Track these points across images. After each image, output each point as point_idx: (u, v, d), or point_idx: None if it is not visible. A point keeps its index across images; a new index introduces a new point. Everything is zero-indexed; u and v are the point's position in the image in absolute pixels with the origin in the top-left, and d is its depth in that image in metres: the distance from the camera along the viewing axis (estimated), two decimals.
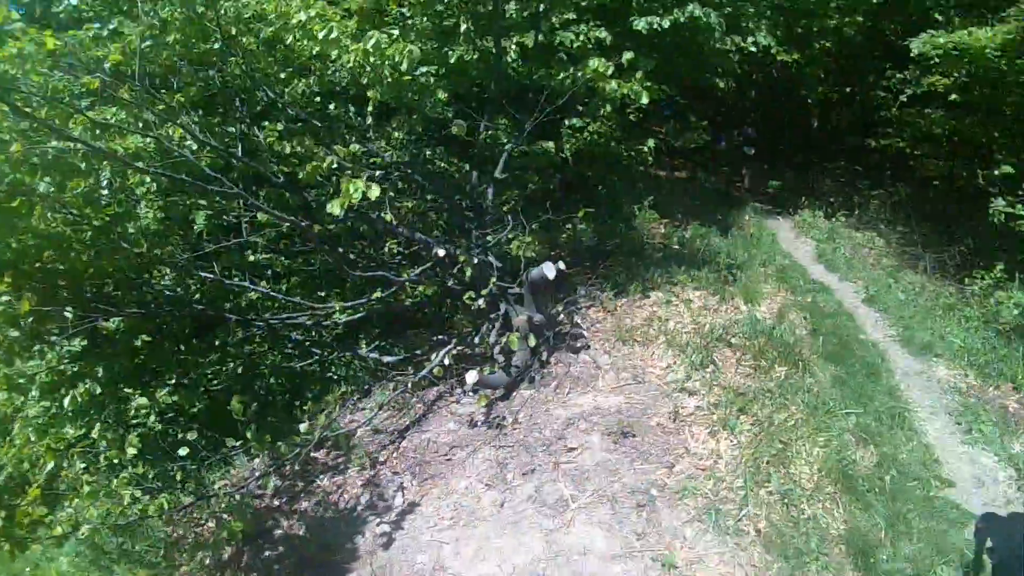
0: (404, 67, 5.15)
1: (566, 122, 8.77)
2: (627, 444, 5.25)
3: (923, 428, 5.99)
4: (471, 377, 5.34)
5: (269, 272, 6.54)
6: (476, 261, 5.79)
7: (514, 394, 5.89)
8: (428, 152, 7.13)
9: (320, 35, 5.03)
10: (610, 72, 5.77)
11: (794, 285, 8.54)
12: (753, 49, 9.93)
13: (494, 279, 5.80)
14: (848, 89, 13.80)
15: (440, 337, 6.33)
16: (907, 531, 4.71)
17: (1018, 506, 5.20)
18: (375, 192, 4.39)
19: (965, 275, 9.47)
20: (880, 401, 6.10)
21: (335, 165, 5.04)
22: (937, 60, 9.58)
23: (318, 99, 6.13)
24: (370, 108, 5.78)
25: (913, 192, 12.06)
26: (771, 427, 5.43)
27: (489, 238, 6.15)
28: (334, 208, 4.33)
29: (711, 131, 15.74)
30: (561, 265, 5.84)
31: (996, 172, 9.18)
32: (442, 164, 7.24)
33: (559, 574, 4.28)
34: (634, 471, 4.98)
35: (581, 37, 7.38)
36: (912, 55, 9.70)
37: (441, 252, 5.71)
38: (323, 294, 6.44)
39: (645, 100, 5.90)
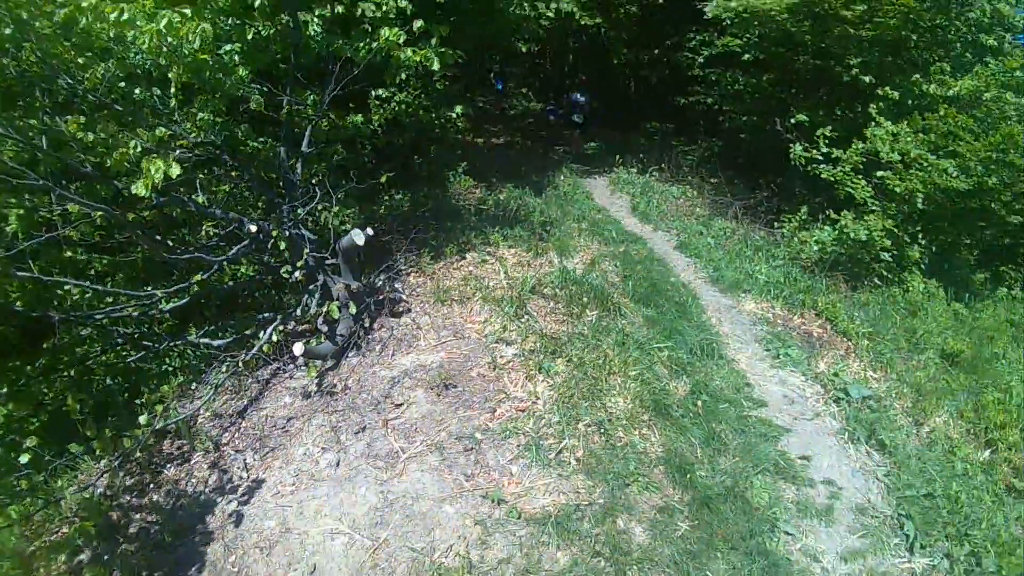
0: (198, 46, 5.08)
1: (372, 93, 8.76)
2: (450, 395, 5.41)
3: (734, 356, 6.40)
4: (298, 349, 5.33)
5: (92, 271, 6.31)
6: (288, 235, 5.75)
7: (343, 361, 5.92)
8: (238, 131, 6.98)
9: (112, 17, 4.86)
10: (402, 40, 5.81)
11: (607, 237, 8.93)
12: (551, 15, 10.13)
13: (307, 251, 5.78)
14: (656, 51, 14.26)
15: (266, 315, 6.27)
16: (723, 448, 5.05)
17: (827, 418, 5.66)
18: (175, 171, 4.38)
19: (773, 219, 10.07)
20: (691, 335, 6.47)
21: (140, 150, 4.93)
22: (730, 23, 10.12)
23: (122, 84, 5.90)
24: (173, 90, 5.64)
25: (724, 145, 12.70)
26: (584, 366, 5.68)
27: (300, 212, 6.11)
28: (139, 189, 4.32)
29: (544, 99, 15.98)
30: (369, 231, 5.91)
31: (792, 121, 9.72)
32: (252, 143, 7.11)
33: (395, 519, 4.37)
34: (458, 419, 5.14)
35: (383, 6, 7.39)
36: (706, 18, 10.21)
37: (253, 228, 5.63)
38: (150, 287, 6.24)
39: (437, 66, 5.99)
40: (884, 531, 4.56)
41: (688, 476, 4.69)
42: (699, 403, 5.47)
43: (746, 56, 10.89)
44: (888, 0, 8.69)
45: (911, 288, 8.45)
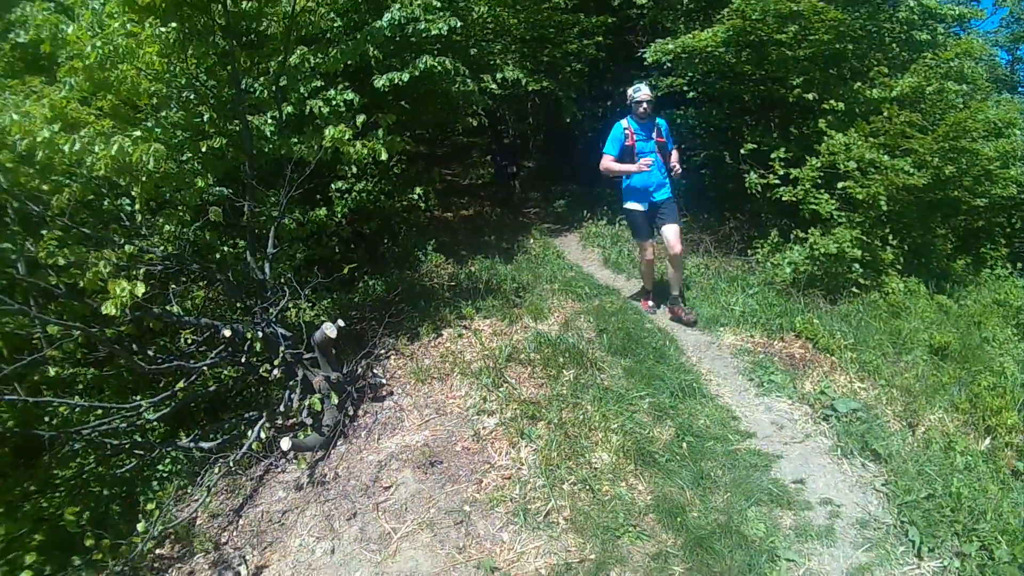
0: (152, 166, 5.10)
1: (332, 186, 8.83)
2: (437, 472, 5.38)
3: (718, 392, 6.32)
4: (285, 444, 5.31)
5: (80, 386, 6.30)
6: (263, 335, 5.78)
7: (331, 451, 5.89)
8: (203, 237, 6.97)
9: (66, 148, 4.91)
10: (347, 136, 5.83)
11: (580, 294, 8.89)
12: (494, 87, 10.24)
13: (283, 348, 5.78)
14: (609, 102, 14.38)
15: (253, 414, 6.25)
16: (713, 486, 4.94)
17: (817, 438, 5.55)
18: (141, 289, 4.44)
19: (746, 247, 10.04)
20: (671, 379, 6.39)
21: (109, 270, 4.94)
22: (669, 64, 10.23)
23: (92, 198, 5.94)
24: (137, 206, 5.68)
25: (687, 183, 12.65)
26: (565, 426, 5.66)
27: (272, 312, 6.13)
28: (109, 309, 4.36)
29: (499, 163, 16.16)
30: (341, 323, 5.97)
31: (742, 151, 9.75)
32: (221, 249, 7.14)
33: None
34: (446, 494, 5.10)
35: (333, 102, 7.49)
36: (647, 64, 10.32)
37: (227, 332, 5.65)
38: (139, 397, 6.22)
39: (384, 156, 5.99)
40: (889, 541, 4.42)
41: (679, 519, 4.59)
42: (684, 445, 5.38)
43: (691, 94, 11.04)
44: (818, 18, 8.78)
45: (891, 290, 8.35)
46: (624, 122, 7.79)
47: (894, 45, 10.16)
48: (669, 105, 11.95)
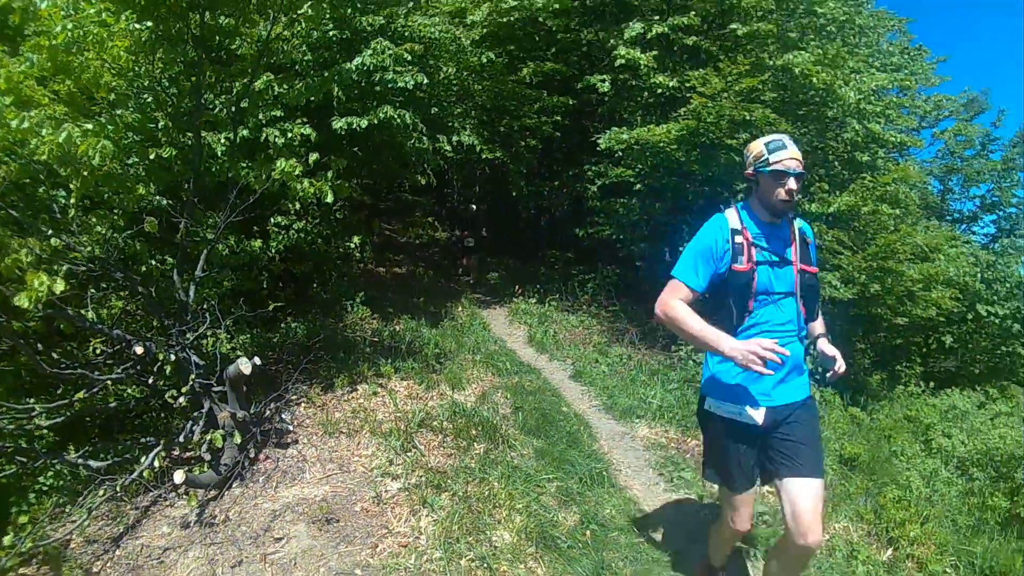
0: (96, 162, 4.86)
1: (272, 220, 8.63)
2: (332, 530, 5.07)
3: (627, 484, 6.18)
4: (178, 477, 4.97)
5: None
6: (175, 359, 5.46)
7: (225, 492, 5.54)
8: (133, 247, 6.67)
9: (13, 124, 4.62)
10: (297, 172, 5.71)
11: (501, 369, 8.83)
12: (448, 148, 10.25)
13: (193, 376, 5.47)
14: (556, 182, 14.52)
15: (150, 439, 5.89)
16: None
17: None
18: (60, 286, 4.19)
19: (671, 343, 10.04)
20: (582, 465, 6.24)
21: (31, 259, 4.62)
22: (621, 153, 10.33)
23: (27, 182, 5.62)
24: (73, 200, 5.37)
25: (622, 273, 12.80)
26: (469, 500, 5.42)
27: (189, 336, 5.82)
28: (22, 301, 4.08)
29: (450, 228, 16.19)
30: (257, 360, 5.69)
31: (681, 249, 9.82)
32: (148, 262, 6.84)
33: None
34: (339, 554, 4.78)
35: (288, 134, 7.33)
36: (599, 149, 10.43)
37: (139, 349, 5.35)
38: (32, 400, 5.81)
39: (331, 198, 5.89)
40: None
41: None
42: (588, 532, 5.19)
43: (638, 185, 11.10)
44: (770, 128, 8.94)
45: None
46: (732, 214, 3.55)
47: (836, 163, 10.45)
48: (613, 195, 12.04)
